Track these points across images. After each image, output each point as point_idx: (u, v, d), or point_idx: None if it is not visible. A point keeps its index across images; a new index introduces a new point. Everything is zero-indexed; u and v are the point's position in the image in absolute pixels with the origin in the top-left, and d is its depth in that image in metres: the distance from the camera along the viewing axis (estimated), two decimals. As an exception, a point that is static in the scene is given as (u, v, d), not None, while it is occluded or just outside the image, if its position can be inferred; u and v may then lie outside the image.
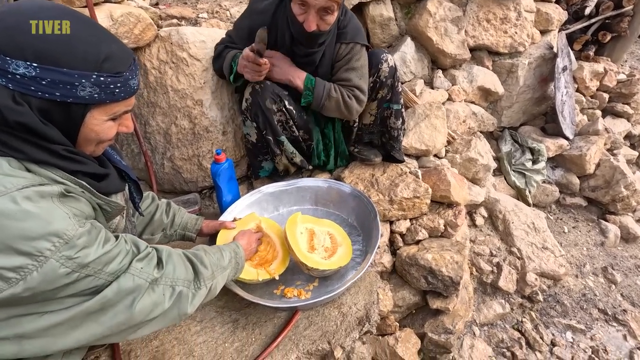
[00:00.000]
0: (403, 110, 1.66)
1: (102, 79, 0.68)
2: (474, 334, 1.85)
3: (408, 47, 2.31)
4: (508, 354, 1.84)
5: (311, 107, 1.57)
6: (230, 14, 2.20)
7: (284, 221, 1.34)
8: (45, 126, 0.66)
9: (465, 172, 2.19)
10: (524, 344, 1.88)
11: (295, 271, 1.34)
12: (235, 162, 1.82)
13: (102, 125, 0.74)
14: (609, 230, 2.59)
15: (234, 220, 1.41)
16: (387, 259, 1.65)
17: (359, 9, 2.29)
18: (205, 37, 1.71)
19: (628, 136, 3.20)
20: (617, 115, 3.21)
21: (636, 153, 3.07)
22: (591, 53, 3.15)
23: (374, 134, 1.74)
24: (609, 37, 3.18)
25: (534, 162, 2.61)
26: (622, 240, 2.63)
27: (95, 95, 0.69)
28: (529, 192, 2.56)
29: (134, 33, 1.55)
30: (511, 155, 2.62)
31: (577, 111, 2.99)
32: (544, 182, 2.68)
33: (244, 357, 1.12)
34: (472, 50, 2.49)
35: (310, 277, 1.33)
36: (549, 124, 2.93)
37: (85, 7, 1.41)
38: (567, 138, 2.73)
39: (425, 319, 1.65)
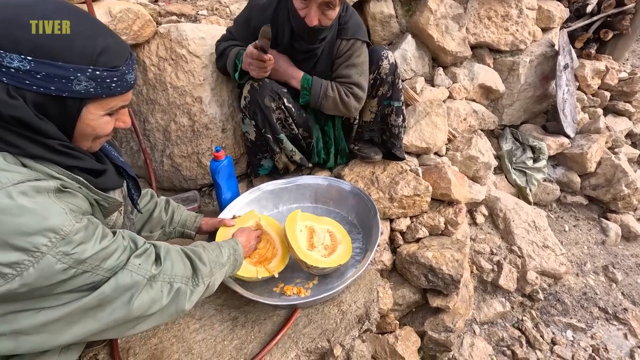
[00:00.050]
0: (404, 107, 1.66)
1: (98, 73, 0.67)
2: (474, 332, 1.85)
3: (409, 44, 2.30)
4: (508, 352, 1.83)
5: (310, 106, 1.57)
6: (230, 11, 2.18)
7: (284, 219, 1.34)
8: (40, 121, 0.66)
9: (466, 170, 2.18)
10: (524, 342, 1.87)
11: (295, 269, 1.33)
12: (235, 159, 1.82)
13: (98, 120, 0.73)
14: (609, 229, 2.58)
15: (234, 217, 1.40)
16: (387, 257, 1.65)
17: (360, 6, 2.28)
18: (204, 34, 1.70)
19: (629, 134, 3.19)
20: (619, 113, 3.20)
21: (637, 151, 3.06)
22: (593, 51, 3.13)
23: (374, 131, 1.73)
24: (610, 35, 3.16)
25: (535, 160, 2.60)
26: (623, 238, 2.62)
27: (91, 90, 0.68)
28: (530, 190, 2.55)
29: (132, 29, 1.55)
30: (512, 154, 2.61)
31: (578, 109, 2.98)
32: (544, 180, 2.67)
33: (243, 355, 1.11)
34: (473, 47, 2.48)
35: (309, 275, 1.33)
36: (550, 122, 2.92)
37: (83, 2, 1.40)
38: (568, 136, 2.72)
39: (425, 317, 1.65)
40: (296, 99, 1.55)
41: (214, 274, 0.93)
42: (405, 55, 2.29)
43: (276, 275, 1.26)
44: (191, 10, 2.06)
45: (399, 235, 1.72)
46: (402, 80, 2.24)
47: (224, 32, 1.66)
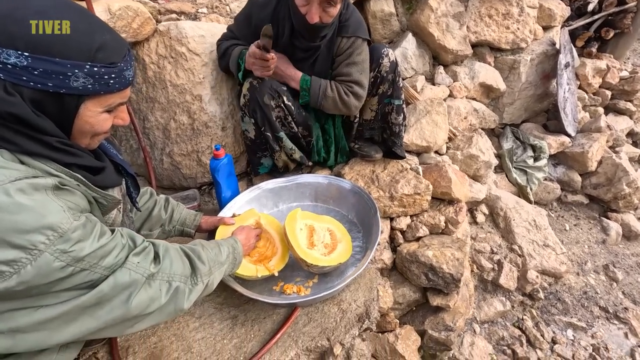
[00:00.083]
0: (404, 105, 1.65)
1: (95, 69, 0.67)
2: (475, 331, 1.84)
3: (409, 42, 2.29)
4: (509, 351, 1.83)
5: (310, 106, 1.57)
6: (230, 9, 2.18)
7: (284, 217, 1.33)
8: (38, 117, 0.65)
9: (467, 168, 2.18)
10: (524, 341, 1.87)
11: (295, 268, 1.33)
12: (235, 158, 1.81)
13: (96, 117, 0.73)
14: (610, 228, 2.58)
15: (233, 216, 1.40)
16: (387, 256, 1.64)
17: (360, 4, 2.27)
18: (204, 32, 1.69)
19: (630, 134, 3.19)
20: (620, 112, 3.19)
21: (638, 150, 3.05)
22: (594, 50, 3.12)
23: (374, 129, 1.72)
24: (611, 34, 3.15)
25: (536, 159, 2.59)
26: (623, 238, 2.62)
27: (89, 86, 0.67)
28: (531, 189, 2.54)
29: (132, 27, 1.54)
30: (512, 152, 2.61)
31: (579, 108, 2.97)
32: (545, 179, 2.66)
33: (242, 354, 1.11)
34: (473, 46, 2.47)
35: (309, 274, 1.32)
36: (551, 121, 2.91)
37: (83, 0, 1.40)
38: (569, 135, 2.71)
39: (425, 316, 1.64)
40: (296, 98, 1.54)
41: (213, 272, 0.93)
42: (406, 54, 2.28)
43: (276, 274, 1.26)
44: (191, 8, 2.05)
45: (399, 234, 1.71)
46: (403, 79, 2.24)
47: (225, 30, 1.65)
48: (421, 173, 1.78)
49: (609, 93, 3.15)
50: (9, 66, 0.61)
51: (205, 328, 1.17)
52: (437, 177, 1.77)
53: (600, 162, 2.71)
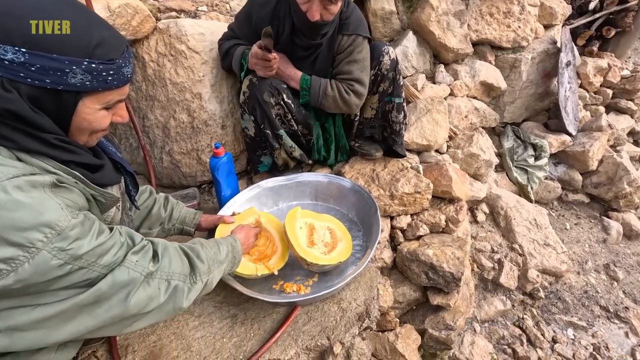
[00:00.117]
0: (404, 104, 1.64)
1: (93, 65, 0.66)
2: (475, 330, 1.84)
3: (410, 41, 2.28)
4: (509, 350, 1.82)
5: (310, 105, 1.56)
6: (230, 7, 2.17)
7: (284, 216, 1.33)
8: (35, 114, 0.65)
9: (467, 167, 2.17)
10: (525, 340, 1.87)
11: (295, 266, 1.32)
12: (235, 156, 1.81)
13: (95, 115, 0.72)
14: (611, 227, 2.57)
15: (233, 214, 1.39)
16: (387, 255, 1.64)
17: (361, 2, 2.27)
18: (204, 30, 1.68)
19: (631, 133, 3.18)
20: (621, 111, 3.18)
21: (639, 150, 3.04)
22: (595, 48, 3.11)
23: (375, 128, 1.72)
24: (613, 33, 3.14)
25: (537, 158, 2.59)
26: (624, 237, 2.61)
27: (87, 83, 0.67)
28: (531, 188, 2.54)
29: (131, 25, 1.53)
30: (513, 151, 2.60)
31: (580, 107, 2.96)
32: (546, 178, 2.66)
33: (242, 353, 1.10)
34: (474, 44, 2.46)
35: (309, 273, 1.32)
36: (552, 120, 2.90)
37: (82, -3, 1.39)
38: (570, 134, 2.71)
39: (425, 315, 1.64)
40: (296, 96, 1.54)
41: (212, 271, 0.92)
42: (406, 52, 2.27)
43: (276, 273, 1.25)
44: (191, 6, 2.04)
45: (399, 232, 1.71)
46: (403, 77, 2.23)
47: (225, 29, 1.65)
48: (422, 172, 1.77)
49: (610, 92, 3.14)
50: (6, 62, 0.61)
51: (204, 327, 1.17)
52: (438, 175, 1.76)
53: (601, 161, 2.70)
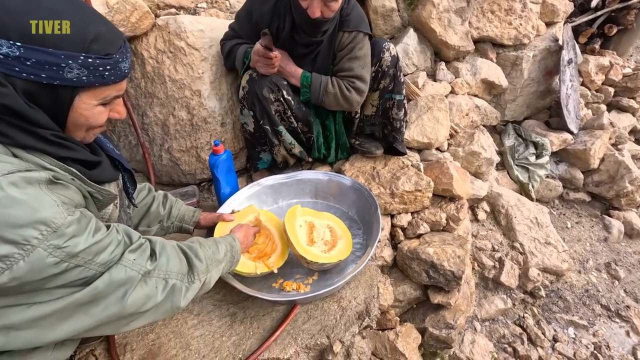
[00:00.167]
0: (405, 101, 1.63)
1: (90, 60, 0.65)
2: (475, 329, 1.83)
3: (411, 38, 2.27)
4: (509, 349, 1.82)
5: (311, 103, 1.55)
6: (230, 4, 2.16)
7: (283, 214, 1.32)
8: (31, 109, 0.64)
9: (468, 165, 2.16)
10: (525, 339, 1.86)
11: (295, 264, 1.32)
12: (234, 154, 1.80)
13: (91, 110, 0.71)
14: (612, 226, 2.56)
15: (232, 212, 1.38)
16: (387, 253, 1.63)
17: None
18: (203, 26, 1.67)
19: (633, 131, 3.16)
20: (623, 109, 3.16)
21: (641, 148, 3.03)
22: (597, 46, 3.09)
23: (375, 125, 1.71)
24: (615, 30, 3.12)
25: (538, 156, 2.57)
26: (625, 236, 2.60)
27: (84, 78, 0.66)
28: (532, 186, 2.53)
29: (130, 21, 1.52)
30: (514, 150, 2.59)
31: (581, 105, 2.95)
32: (547, 176, 2.65)
33: (241, 352, 1.10)
34: (476, 42, 2.45)
35: (309, 271, 1.31)
36: (553, 118, 2.89)
37: (80, -7, 1.38)
38: (571, 132, 2.69)
39: (426, 313, 1.63)
40: (296, 93, 1.53)
41: (210, 270, 0.92)
42: (407, 50, 2.26)
43: (275, 271, 1.25)
44: (190, 2, 2.03)
45: (399, 231, 1.70)
46: (404, 75, 2.22)
47: (225, 25, 1.64)
48: (422, 170, 1.76)
49: (611, 90, 3.12)
50: (1, 56, 0.60)
51: (203, 325, 1.16)
52: (439, 173, 1.75)
53: (602, 160, 2.68)
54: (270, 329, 1.15)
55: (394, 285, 1.63)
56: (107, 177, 0.82)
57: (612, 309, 2.10)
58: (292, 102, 1.50)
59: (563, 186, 2.71)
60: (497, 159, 2.36)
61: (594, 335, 1.96)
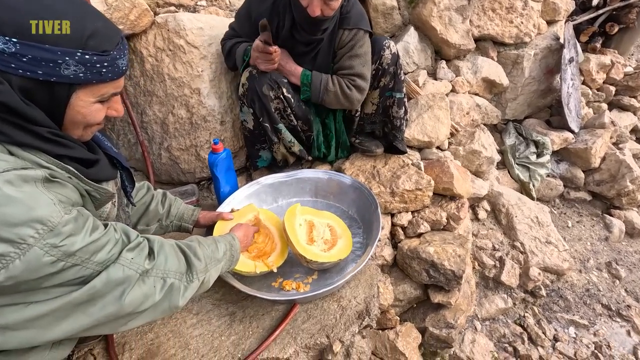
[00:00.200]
0: (405, 99, 1.63)
1: (87, 57, 0.65)
2: (476, 328, 1.83)
3: (411, 37, 2.26)
4: (510, 349, 1.81)
5: (311, 101, 1.54)
6: (229, 2, 2.14)
7: (283, 213, 1.32)
8: (27, 106, 0.63)
9: (469, 164, 2.15)
10: (526, 339, 1.85)
11: (294, 264, 1.31)
12: (234, 153, 1.79)
13: (89, 108, 0.70)
14: (613, 225, 2.55)
15: (232, 211, 1.38)
16: (388, 252, 1.62)
17: (362, -3, 2.24)
18: (203, 24, 1.66)
19: (634, 130, 3.15)
20: (624, 108, 3.15)
21: (642, 147, 3.02)
22: (598, 45, 3.08)
23: (376, 123, 1.70)
24: (616, 29, 3.11)
25: (539, 155, 2.56)
26: (626, 235, 2.59)
27: (81, 75, 0.65)
28: (533, 185, 2.52)
29: (129, 19, 1.51)
30: (515, 148, 2.58)
31: (582, 104, 2.94)
32: (548, 175, 2.64)
33: (240, 351, 1.09)
34: (476, 40, 2.44)
35: (309, 270, 1.30)
36: (554, 117, 2.88)
37: (78, -10, 1.37)
38: (572, 131, 2.68)
39: (426, 313, 1.62)
40: (296, 91, 1.52)
41: (209, 269, 0.91)
42: (408, 48, 2.25)
43: (275, 270, 1.24)
44: (190, 0, 2.02)
45: (400, 230, 1.69)
46: (405, 73, 2.21)
47: (224, 24, 1.63)
48: (423, 168, 1.75)
49: (613, 89, 3.11)
50: None
51: (202, 324, 1.15)
52: (439, 172, 1.75)
53: (603, 159, 2.67)
54: (270, 329, 1.15)
55: (394, 285, 1.62)
56: (104, 176, 0.81)
57: (613, 309, 2.09)
58: (292, 100, 1.49)
59: (564, 185, 2.70)
60: (497, 157, 2.35)
61: (594, 334, 1.96)
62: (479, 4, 2.37)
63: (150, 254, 0.79)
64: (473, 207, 2.17)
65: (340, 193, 1.59)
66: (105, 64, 0.67)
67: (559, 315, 2.01)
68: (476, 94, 2.52)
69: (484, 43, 2.51)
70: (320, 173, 1.64)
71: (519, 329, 1.89)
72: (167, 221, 1.23)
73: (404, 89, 1.61)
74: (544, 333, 1.88)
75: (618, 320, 2.05)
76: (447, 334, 1.54)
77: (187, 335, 1.12)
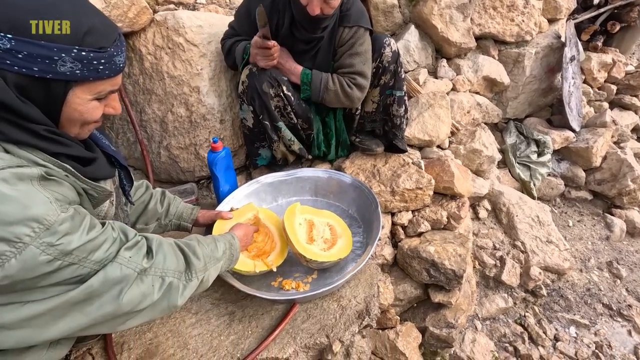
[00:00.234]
0: (406, 97, 1.62)
1: (83, 53, 0.64)
2: (476, 328, 1.82)
3: (412, 35, 2.25)
4: (510, 348, 1.80)
5: (312, 100, 1.54)
6: (229, 0, 2.14)
7: (283, 212, 1.31)
8: (23, 104, 0.62)
9: (469, 163, 2.14)
10: (526, 338, 1.85)
11: (294, 263, 1.30)
12: (234, 151, 1.78)
13: (86, 105, 0.70)
14: (614, 225, 2.54)
15: (231, 210, 1.37)
16: (388, 252, 1.61)
17: (362, -5, 2.23)
18: (202, 22, 1.65)
19: (635, 129, 3.14)
20: (625, 107, 3.14)
21: (643, 146, 3.01)
22: (599, 44, 3.07)
23: (376, 122, 1.69)
24: (617, 28, 3.10)
25: (539, 154, 2.55)
26: (627, 234, 2.58)
27: (77, 72, 0.64)
28: (534, 184, 2.51)
29: (128, 16, 1.50)
30: (516, 147, 2.57)
31: (584, 103, 2.93)
32: (549, 175, 2.63)
33: (239, 351, 1.08)
34: (477, 38, 2.43)
35: (308, 269, 1.30)
36: (555, 116, 2.86)
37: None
38: (573, 130, 2.67)
39: (426, 312, 1.62)
40: (296, 89, 1.51)
41: (208, 269, 0.90)
42: (408, 46, 2.24)
43: (274, 269, 1.23)
44: (189, -2, 2.01)
45: (400, 229, 1.69)
46: (405, 72, 2.20)
47: (224, 21, 1.63)
48: (423, 167, 1.74)
49: (614, 88, 3.10)
50: None
51: (201, 324, 1.15)
52: (440, 171, 1.74)
53: (604, 158, 2.66)
54: (269, 328, 1.14)
55: (394, 284, 1.61)
56: (102, 174, 0.80)
57: (614, 308, 2.09)
58: (292, 98, 1.48)
59: (565, 184, 2.69)
60: (498, 156, 2.34)
61: (595, 334, 1.95)
62: (480, 2, 2.36)
63: (149, 252, 0.78)
64: (474, 206, 2.16)
65: (340, 192, 1.58)
66: (102, 60, 0.67)
67: (560, 315, 2.00)
68: (477, 93, 2.51)
69: (485, 41, 2.50)
70: (320, 172, 1.63)
71: (519, 329, 1.89)
72: (166, 220, 1.22)
73: (405, 87, 1.60)
74: (545, 333, 1.87)
75: (619, 319, 2.05)
76: (447, 334, 1.53)
77: (186, 334, 1.11)
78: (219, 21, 1.71)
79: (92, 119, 0.73)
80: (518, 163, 2.54)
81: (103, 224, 0.73)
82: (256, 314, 1.18)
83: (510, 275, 1.90)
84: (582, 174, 2.68)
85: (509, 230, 2.10)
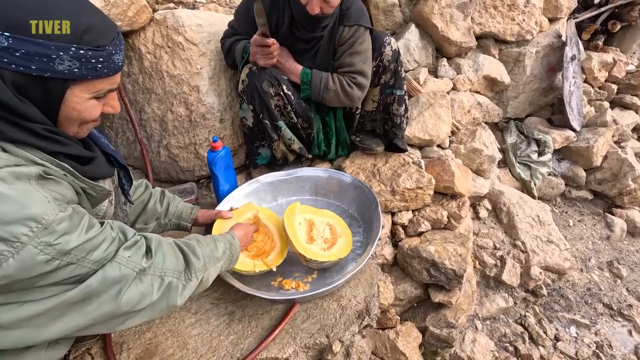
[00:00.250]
0: (406, 96, 1.61)
1: (82, 52, 0.63)
2: (477, 328, 1.82)
3: (412, 34, 2.24)
4: (511, 348, 1.80)
5: (312, 99, 1.53)
6: (229, -1, 2.13)
7: (283, 212, 1.31)
8: (20, 102, 0.62)
9: (470, 163, 2.14)
10: (527, 338, 1.84)
11: (294, 263, 1.30)
12: (233, 151, 1.78)
13: (84, 104, 0.69)
14: (615, 224, 2.54)
15: (231, 210, 1.37)
16: (388, 251, 1.61)
17: (362, -6, 2.22)
18: (202, 21, 1.65)
19: (636, 128, 3.13)
20: (626, 107, 3.13)
21: (644, 146, 3.00)
22: (600, 43, 3.06)
23: (376, 121, 1.69)
24: (618, 27, 3.09)
25: (540, 153, 2.55)
26: (628, 234, 2.58)
27: (75, 70, 0.64)
28: (534, 184, 2.50)
29: (127, 15, 1.50)
30: (516, 147, 2.57)
31: (584, 102, 2.92)
32: (549, 174, 2.62)
33: (239, 351, 1.08)
34: (478, 38, 2.42)
35: (308, 269, 1.29)
36: (556, 115, 2.86)
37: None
38: (574, 130, 2.67)
39: (427, 312, 1.61)
40: (296, 88, 1.51)
41: (208, 268, 0.90)
42: (409, 46, 2.23)
43: (274, 269, 1.23)
44: (189, -3, 2.00)
45: (400, 228, 1.68)
46: (405, 71, 2.19)
47: (224, 20, 1.62)
48: (423, 167, 1.74)
49: (615, 87, 3.09)
50: None
51: (201, 324, 1.14)
52: (440, 171, 1.73)
53: (605, 157, 2.66)
54: (269, 328, 1.14)
55: (394, 284, 1.61)
56: (101, 173, 0.80)
57: (615, 308, 2.08)
58: (292, 97, 1.48)
59: (565, 184, 2.69)
60: (499, 156, 2.33)
61: (596, 334, 1.95)
62: (481, 1, 2.35)
63: (148, 252, 0.78)
64: (474, 206, 2.16)
65: (341, 191, 1.57)
66: (101, 59, 0.66)
67: (560, 315, 2.00)
68: (477, 92, 2.51)
69: (485, 41, 2.50)
70: (320, 171, 1.63)
71: (520, 329, 1.88)
72: (166, 219, 1.22)
73: (405, 87, 1.60)
74: (545, 332, 1.87)
75: (619, 319, 2.04)
76: (447, 334, 1.53)
77: (185, 334, 1.11)
78: (219, 20, 1.70)
79: (91, 117, 0.72)
80: (518, 162, 2.54)
81: (102, 224, 0.72)
82: (256, 314, 1.18)
83: (511, 275, 1.90)
84: (583, 174, 2.68)
85: (510, 229, 2.10)
